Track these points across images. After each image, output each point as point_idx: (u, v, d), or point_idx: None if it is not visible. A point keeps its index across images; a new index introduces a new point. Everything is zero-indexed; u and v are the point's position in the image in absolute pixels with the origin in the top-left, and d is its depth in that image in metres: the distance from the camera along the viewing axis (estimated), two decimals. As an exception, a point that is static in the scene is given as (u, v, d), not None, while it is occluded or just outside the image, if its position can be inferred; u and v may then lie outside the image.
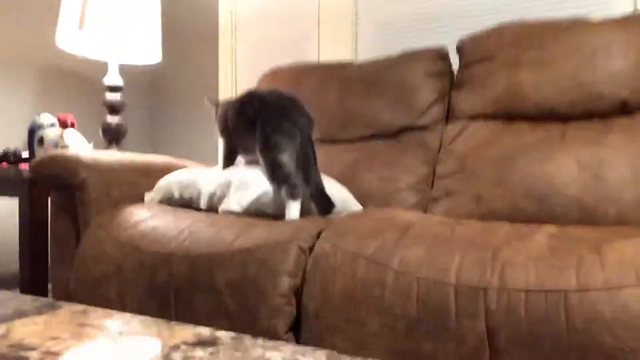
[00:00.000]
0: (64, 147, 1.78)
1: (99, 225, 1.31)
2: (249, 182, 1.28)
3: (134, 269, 1.16)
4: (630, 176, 1.19)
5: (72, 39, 1.94)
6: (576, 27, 1.43)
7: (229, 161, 1.48)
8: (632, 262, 0.78)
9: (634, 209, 1.16)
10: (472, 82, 1.53)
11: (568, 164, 1.26)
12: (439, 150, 1.53)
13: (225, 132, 1.47)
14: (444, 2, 1.95)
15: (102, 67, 2.20)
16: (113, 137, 1.97)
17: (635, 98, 1.31)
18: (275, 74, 1.89)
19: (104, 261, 1.21)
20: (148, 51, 2.02)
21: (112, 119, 1.97)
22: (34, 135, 1.81)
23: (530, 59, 1.43)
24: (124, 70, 2.09)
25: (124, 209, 1.34)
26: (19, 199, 1.64)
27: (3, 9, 2.13)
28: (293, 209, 1.21)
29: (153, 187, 1.50)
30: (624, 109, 1.32)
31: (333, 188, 1.31)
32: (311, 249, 1.03)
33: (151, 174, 1.56)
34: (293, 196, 1.22)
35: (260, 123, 1.30)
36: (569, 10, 1.74)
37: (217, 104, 1.53)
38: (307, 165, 1.26)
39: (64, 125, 1.78)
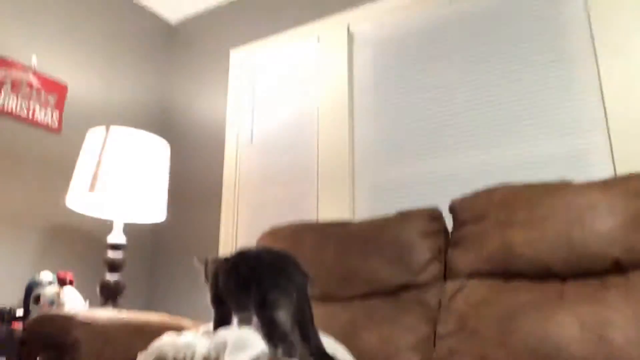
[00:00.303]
0: (61, 305, 1.76)
1: (86, 388, 1.24)
2: (244, 343, 1.24)
3: None
4: (635, 337, 1.17)
5: (82, 199, 2.02)
6: (561, 189, 1.51)
7: (220, 322, 1.44)
8: None
9: (643, 370, 1.12)
10: (466, 241, 1.57)
11: (569, 324, 1.24)
12: (439, 308, 1.51)
13: (216, 292, 1.44)
14: (435, 166, 2.08)
15: (106, 224, 2.26)
16: (110, 295, 1.95)
17: (627, 257, 1.33)
18: (274, 232, 1.94)
19: None
20: (154, 210, 2.10)
21: (111, 277, 1.97)
22: (30, 293, 1.80)
23: (521, 219, 1.49)
24: (127, 227, 2.15)
25: (115, 371, 1.29)
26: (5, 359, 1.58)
27: (16, 171, 2.26)
28: (290, 370, 1.17)
29: (147, 347, 1.46)
30: (618, 267, 1.34)
31: (332, 347, 1.27)
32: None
33: (146, 334, 1.52)
34: (290, 355, 1.18)
35: (256, 281, 1.30)
36: (550, 175, 1.85)
37: (206, 263, 1.51)
38: (305, 323, 1.24)
39: (62, 282, 1.78)
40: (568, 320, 1.25)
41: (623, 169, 1.72)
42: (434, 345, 1.43)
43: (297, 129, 2.50)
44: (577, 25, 1.94)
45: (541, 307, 1.31)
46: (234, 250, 2.45)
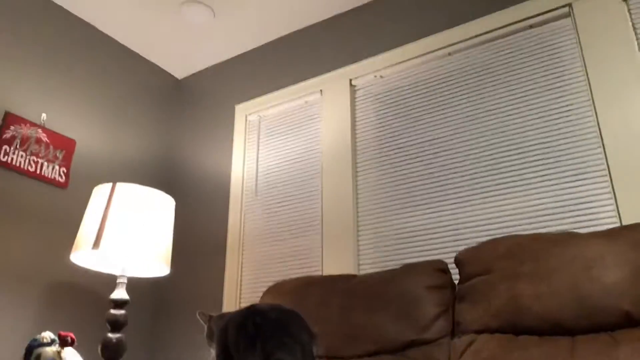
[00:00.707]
0: (60, 366, 1.72)
1: None
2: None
3: None
4: (651, 394, 1.13)
5: (87, 256, 2.02)
6: (567, 240, 1.49)
7: None
8: None
9: None
10: (473, 295, 1.55)
11: (583, 381, 1.20)
12: (448, 366, 1.47)
13: (222, 348, 1.43)
14: (439, 217, 2.07)
15: (110, 281, 2.24)
16: (112, 355, 1.91)
17: (637, 309, 1.31)
18: (278, 287, 1.92)
19: None
20: (158, 265, 2.09)
21: (113, 336, 1.94)
22: (31, 353, 1.77)
23: (527, 272, 1.47)
24: (130, 282, 2.13)
25: None
26: None
27: (21, 227, 2.27)
28: None
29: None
30: (628, 321, 1.31)
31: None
32: None
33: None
34: (295, 419, 1.14)
35: (261, 339, 1.28)
36: (555, 225, 1.84)
37: (210, 319, 1.50)
38: (310, 384, 1.20)
39: (63, 343, 1.75)
40: (581, 377, 1.21)
41: (628, 218, 1.71)
42: (444, 406, 1.38)
43: (301, 181, 2.51)
44: (575, 77, 1.97)
45: (552, 364, 1.27)
46: (237, 305, 2.43)
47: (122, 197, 2.03)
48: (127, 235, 1.96)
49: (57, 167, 2.43)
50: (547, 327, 1.39)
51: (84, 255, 2.02)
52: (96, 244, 1.94)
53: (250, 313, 1.39)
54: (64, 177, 2.45)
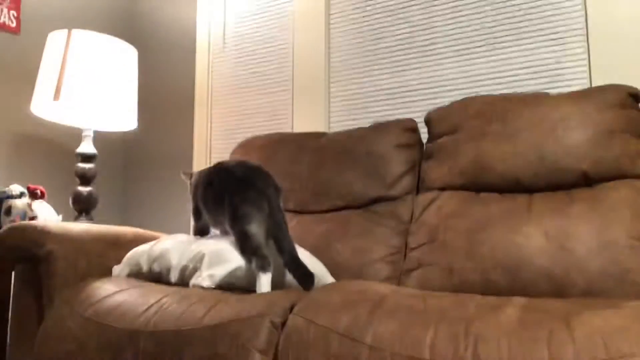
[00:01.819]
0: (33, 218, 1.74)
1: (64, 300, 1.26)
2: (221, 256, 1.26)
3: (98, 348, 1.11)
4: (596, 247, 1.22)
5: (48, 107, 1.95)
6: (536, 101, 1.50)
7: (200, 233, 1.48)
8: (601, 335, 0.78)
9: (601, 279, 1.18)
10: (440, 154, 1.58)
11: (536, 235, 1.29)
12: (411, 220, 1.55)
13: (196, 203, 1.47)
14: (412, 76, 2.04)
15: (76, 135, 2.19)
16: (83, 207, 1.94)
17: (594, 170, 1.36)
18: (248, 144, 1.92)
19: (68, 339, 1.16)
20: (124, 118, 2.04)
21: (83, 189, 1.95)
22: (1, 205, 1.78)
23: (495, 132, 1.49)
24: (97, 137, 2.09)
25: (91, 283, 1.31)
26: (-20, 272, 1.59)
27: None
28: (264, 282, 1.20)
29: (122, 258, 1.47)
30: (585, 180, 1.37)
31: (306, 260, 1.30)
32: (283, 323, 1.01)
33: (121, 246, 1.53)
34: (263, 268, 1.21)
35: (228, 194, 1.30)
36: (528, 87, 1.84)
37: (191, 176, 1.54)
38: (279, 235, 1.25)
39: (33, 195, 1.76)
40: (534, 231, 1.29)
41: (599, 81, 1.71)
42: (405, 257, 1.47)
43: (272, 35, 2.39)
44: None
45: (509, 219, 1.35)
46: (208, 160, 2.44)
47: (80, 46, 1.91)
48: (88, 85, 1.88)
49: (5, 10, 2.23)
50: (508, 185, 1.45)
51: (44, 106, 1.94)
52: (56, 95, 1.86)
53: (217, 170, 1.41)
54: (14, 21, 2.26)
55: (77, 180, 1.96)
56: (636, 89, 1.45)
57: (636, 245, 1.20)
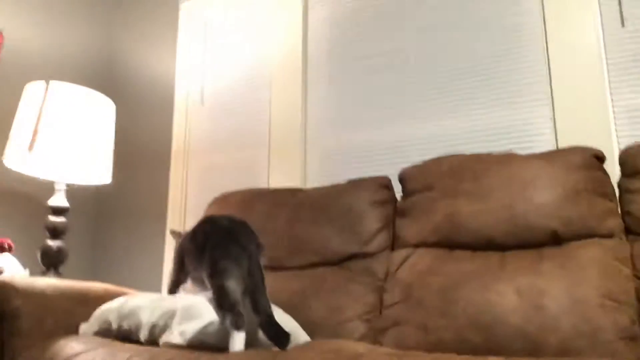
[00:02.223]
0: (-2, 272, 1.69)
1: (27, 361, 1.21)
2: (193, 312, 1.24)
3: (61, 412, 1.06)
4: (567, 305, 1.24)
5: (21, 159, 1.92)
6: (507, 161, 1.55)
7: (176, 283, 1.46)
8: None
9: (573, 338, 1.19)
10: (414, 211, 1.60)
11: (508, 293, 1.30)
12: (386, 277, 1.55)
13: (180, 259, 1.45)
14: (387, 135, 2.09)
15: (48, 187, 2.16)
16: (52, 262, 1.89)
17: (564, 229, 1.40)
18: (225, 198, 1.92)
19: (28, 403, 1.11)
20: (98, 172, 2.03)
21: (53, 243, 1.90)
22: (-35, 259, 1.72)
23: (467, 190, 1.52)
24: (70, 190, 2.06)
25: (57, 342, 1.26)
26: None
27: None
28: (237, 341, 1.17)
29: (90, 316, 1.43)
30: (555, 239, 1.41)
31: (281, 318, 1.28)
32: (256, 386, 0.98)
33: (89, 302, 1.49)
34: (237, 326, 1.18)
35: (209, 247, 1.29)
36: (499, 147, 1.90)
37: (180, 235, 1.52)
38: (257, 294, 1.23)
39: (0, 249, 1.71)
40: (507, 289, 1.31)
41: (564, 141, 1.78)
42: (380, 314, 1.47)
43: (250, 91, 2.44)
44: (530, -2, 1.95)
45: (482, 277, 1.36)
46: (182, 215, 2.42)
47: (57, 97, 1.91)
48: (63, 138, 1.87)
49: (-18, 62, 2.24)
50: (480, 242, 1.47)
51: (18, 159, 1.92)
52: (30, 147, 1.84)
53: (202, 222, 1.41)
54: (-10, 73, 2.27)
55: (47, 233, 1.92)
56: (600, 151, 1.51)
57: (606, 304, 1.22)
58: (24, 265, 1.89)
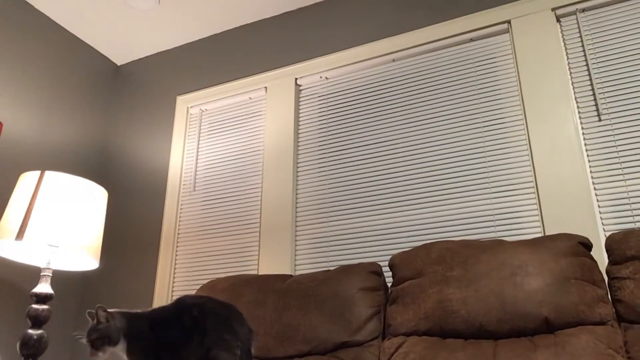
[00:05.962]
0: (-27, 363, 1.61)
1: None
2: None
3: None
4: (563, 397, 1.20)
5: (9, 246, 1.91)
6: (495, 247, 1.56)
7: None
8: None
9: None
10: (405, 298, 1.59)
11: (502, 384, 1.26)
12: (377, 368, 1.50)
13: (151, 345, 1.35)
14: (376, 220, 2.11)
15: (32, 273, 2.12)
16: (31, 352, 1.81)
17: (555, 315, 1.38)
18: (212, 286, 1.89)
19: None
20: (86, 258, 2.00)
21: (34, 332, 1.84)
22: (-60, 349, 1.65)
23: (456, 277, 1.52)
24: (55, 275, 2.02)
25: None
26: None
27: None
28: None
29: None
30: (547, 326, 1.39)
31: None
32: None
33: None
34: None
35: (199, 334, 1.24)
36: (486, 234, 1.92)
37: (107, 319, 1.32)
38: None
39: (-22, 338, 1.65)
40: (501, 380, 1.27)
41: (551, 228, 1.81)
42: (371, 408, 1.41)
43: (241, 178, 2.49)
44: (510, 91, 2.07)
45: (476, 367, 1.32)
46: (169, 301, 2.37)
47: (51, 187, 1.93)
48: (53, 227, 1.87)
49: (-21, 151, 2.28)
50: (472, 330, 1.45)
51: (6, 245, 1.91)
52: (20, 235, 1.83)
53: (184, 306, 1.33)
54: (-14, 162, 2.30)
55: (29, 322, 1.86)
56: (586, 238, 1.53)
57: (603, 395, 1.19)
58: (2, 355, 1.81)
